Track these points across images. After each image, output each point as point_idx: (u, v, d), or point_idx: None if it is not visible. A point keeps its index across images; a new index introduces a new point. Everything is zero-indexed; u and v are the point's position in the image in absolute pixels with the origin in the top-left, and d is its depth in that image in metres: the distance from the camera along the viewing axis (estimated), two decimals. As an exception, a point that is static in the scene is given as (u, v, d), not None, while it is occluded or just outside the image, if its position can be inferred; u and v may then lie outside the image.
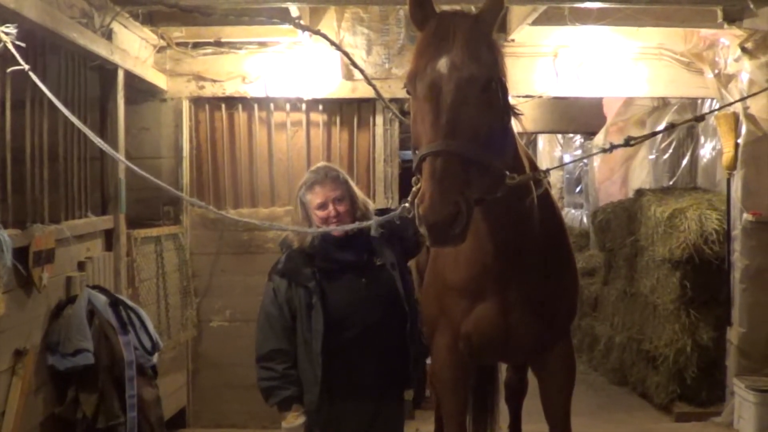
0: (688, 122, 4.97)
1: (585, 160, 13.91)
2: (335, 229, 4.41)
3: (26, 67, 4.57)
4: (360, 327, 4.45)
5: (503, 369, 6.57)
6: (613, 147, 4.01)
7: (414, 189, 3.45)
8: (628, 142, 3.96)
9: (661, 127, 10.27)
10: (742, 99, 7.33)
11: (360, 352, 4.45)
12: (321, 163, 4.88)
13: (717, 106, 8.59)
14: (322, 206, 4.49)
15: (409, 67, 3.56)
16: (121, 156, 6.54)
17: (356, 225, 4.28)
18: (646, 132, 10.65)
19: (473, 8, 3.88)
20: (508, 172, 3.51)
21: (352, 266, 4.51)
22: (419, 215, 3.14)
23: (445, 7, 3.67)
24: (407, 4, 3.60)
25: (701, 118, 4.31)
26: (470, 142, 3.25)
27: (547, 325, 4.48)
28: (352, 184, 4.66)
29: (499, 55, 3.56)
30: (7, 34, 4.51)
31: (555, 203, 4.80)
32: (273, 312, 4.49)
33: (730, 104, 7.63)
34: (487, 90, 3.38)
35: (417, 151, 3.37)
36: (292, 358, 4.48)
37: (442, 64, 3.35)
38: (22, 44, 4.59)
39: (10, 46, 4.51)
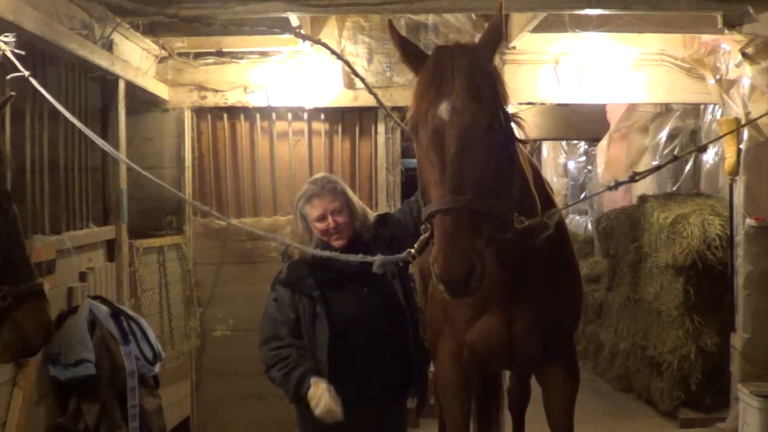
0: (691, 153, 4.99)
1: (589, 166, 13.92)
2: (339, 256, 4.36)
3: (26, 73, 4.57)
4: (363, 336, 4.44)
5: (507, 377, 6.56)
6: (618, 184, 4.06)
7: (422, 237, 3.51)
8: (632, 178, 4.02)
9: (663, 133, 10.33)
10: (753, 121, 7.28)
11: (363, 361, 4.44)
12: (319, 174, 4.87)
13: (719, 114, 8.60)
14: (321, 218, 4.47)
15: (411, 90, 3.57)
16: (122, 161, 6.57)
17: (359, 258, 4.22)
18: (648, 137, 10.75)
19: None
20: (516, 214, 3.53)
21: (354, 276, 4.50)
22: (435, 274, 3.19)
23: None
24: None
25: (704, 148, 4.38)
26: (478, 194, 3.27)
27: (552, 335, 4.48)
28: (351, 194, 4.64)
29: (499, 84, 3.55)
30: (6, 42, 4.53)
31: (546, 187, 4.80)
32: (278, 317, 4.48)
33: (742, 126, 7.59)
34: (491, 129, 3.38)
35: (426, 205, 3.41)
36: (299, 350, 4.45)
37: (443, 109, 3.34)
38: (22, 52, 4.60)
39: (9, 54, 4.52)
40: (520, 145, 3.94)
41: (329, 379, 4.34)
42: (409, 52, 3.64)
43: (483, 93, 3.39)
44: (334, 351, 4.36)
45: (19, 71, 4.57)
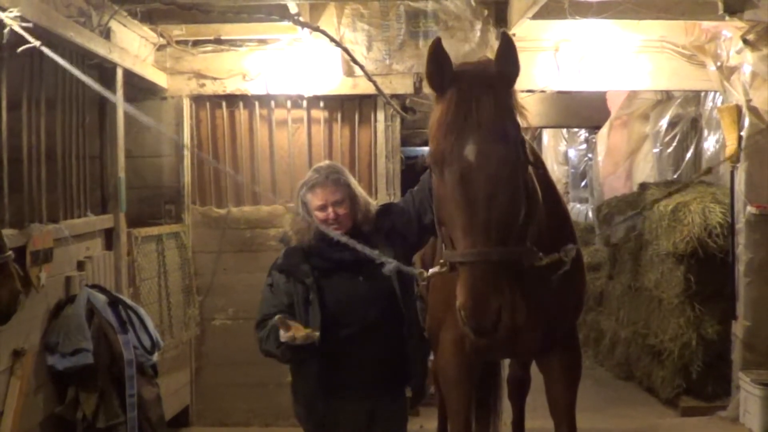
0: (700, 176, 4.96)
1: (590, 154, 13.89)
2: (355, 245, 4.29)
3: (37, 43, 4.52)
4: (357, 325, 4.42)
5: (506, 365, 6.54)
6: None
7: (439, 270, 3.64)
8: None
9: (664, 121, 10.31)
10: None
11: (357, 351, 4.42)
12: (324, 163, 4.85)
13: (720, 101, 8.55)
14: (322, 208, 4.46)
15: (433, 136, 3.53)
16: (120, 153, 6.55)
17: (375, 255, 4.17)
18: (649, 125, 10.74)
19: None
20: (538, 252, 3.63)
21: (350, 264, 4.48)
22: (463, 320, 3.29)
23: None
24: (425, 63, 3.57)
25: (708, 171, 4.40)
26: (505, 241, 3.33)
27: (554, 324, 4.49)
28: (355, 185, 4.61)
29: (519, 114, 3.58)
30: (12, 18, 4.48)
31: (560, 197, 4.78)
32: (271, 303, 4.48)
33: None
34: (516, 167, 3.42)
35: (450, 253, 3.50)
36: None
37: (470, 151, 3.35)
38: (30, 24, 4.56)
39: (17, 28, 4.48)
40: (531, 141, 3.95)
41: (319, 367, 4.36)
42: (436, 70, 3.57)
43: (508, 130, 3.41)
44: (326, 339, 4.33)
45: (28, 45, 4.53)
